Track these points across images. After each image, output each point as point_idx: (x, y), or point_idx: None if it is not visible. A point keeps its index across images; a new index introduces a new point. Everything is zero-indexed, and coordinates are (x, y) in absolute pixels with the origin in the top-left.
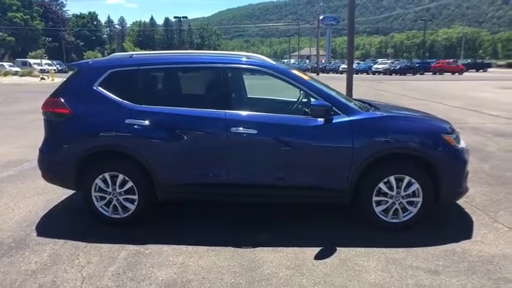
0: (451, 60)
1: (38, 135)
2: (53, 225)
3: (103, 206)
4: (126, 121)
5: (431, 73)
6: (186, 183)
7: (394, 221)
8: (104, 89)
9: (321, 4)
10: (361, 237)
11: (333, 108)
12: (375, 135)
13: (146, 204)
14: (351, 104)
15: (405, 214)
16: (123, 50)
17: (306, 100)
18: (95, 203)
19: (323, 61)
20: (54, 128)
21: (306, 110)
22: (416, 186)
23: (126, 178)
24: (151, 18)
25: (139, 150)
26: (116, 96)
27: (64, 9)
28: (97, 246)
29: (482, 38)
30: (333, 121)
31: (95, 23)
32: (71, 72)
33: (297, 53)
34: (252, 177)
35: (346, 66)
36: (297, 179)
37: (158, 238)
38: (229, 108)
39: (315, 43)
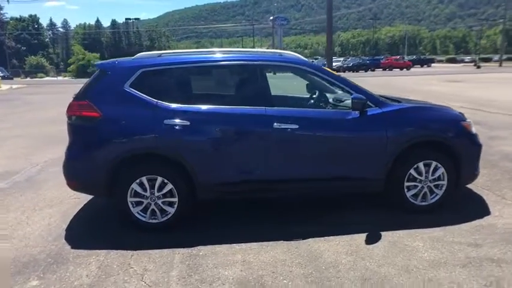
0: (399, 57)
1: (11, 145)
2: (84, 236)
3: (140, 212)
4: (165, 122)
5: (381, 69)
6: (228, 181)
7: (423, 203)
8: (136, 89)
9: (275, 4)
10: (396, 221)
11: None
12: (406, 125)
13: (186, 206)
14: (380, 98)
15: (432, 197)
16: (71, 53)
17: (320, 96)
18: (131, 209)
19: None
20: (82, 132)
21: (322, 104)
22: (441, 170)
23: (165, 180)
24: (97, 21)
25: (179, 151)
26: (150, 96)
27: (2, 12)
28: (145, 253)
29: (421, 36)
30: (368, 113)
31: (36, 26)
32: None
33: None
34: (295, 171)
35: None
36: (337, 171)
37: (204, 239)
38: (268, 104)
39: (265, 43)
